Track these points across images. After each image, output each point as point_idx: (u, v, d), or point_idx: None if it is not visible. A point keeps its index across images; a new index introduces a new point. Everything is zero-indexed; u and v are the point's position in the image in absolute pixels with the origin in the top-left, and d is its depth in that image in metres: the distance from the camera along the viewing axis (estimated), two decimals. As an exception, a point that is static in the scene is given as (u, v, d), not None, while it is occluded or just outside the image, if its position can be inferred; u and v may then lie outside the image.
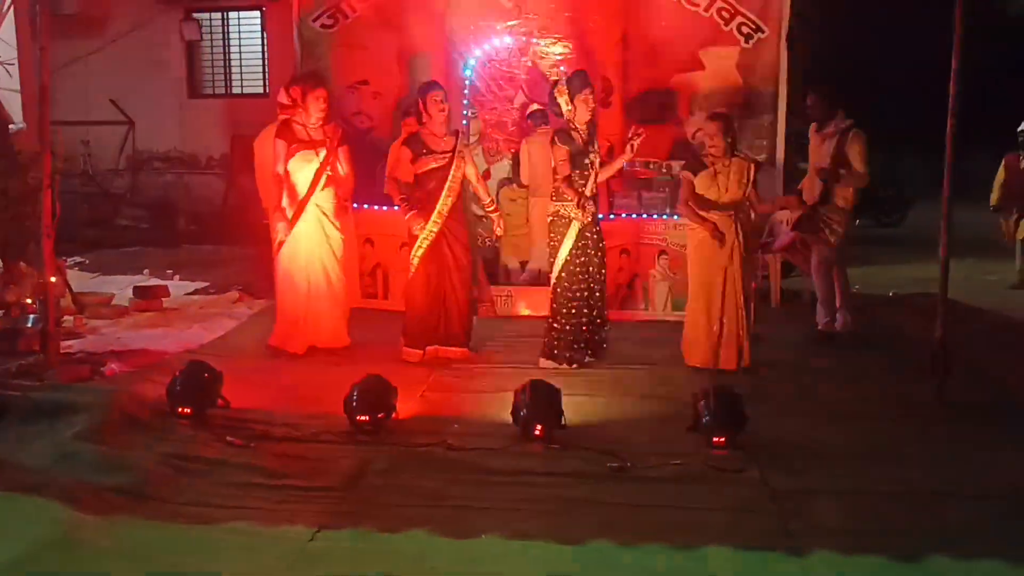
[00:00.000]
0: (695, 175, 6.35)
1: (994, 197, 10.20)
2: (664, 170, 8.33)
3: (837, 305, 7.31)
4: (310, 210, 6.57)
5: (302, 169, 6.54)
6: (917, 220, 15.07)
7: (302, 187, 6.54)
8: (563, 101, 6.36)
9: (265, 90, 13.49)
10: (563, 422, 5.03)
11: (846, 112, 7.15)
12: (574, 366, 6.42)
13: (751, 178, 6.33)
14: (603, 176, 6.57)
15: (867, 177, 7.12)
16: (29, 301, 6.88)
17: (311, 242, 6.61)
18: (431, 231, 6.50)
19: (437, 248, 6.53)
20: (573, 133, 6.33)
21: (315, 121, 6.56)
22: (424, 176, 6.50)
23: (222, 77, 14.15)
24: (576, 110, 6.33)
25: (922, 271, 9.04)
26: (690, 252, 6.51)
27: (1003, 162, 10.14)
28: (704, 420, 4.93)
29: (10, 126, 7.20)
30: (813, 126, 7.43)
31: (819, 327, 7.32)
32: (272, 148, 6.56)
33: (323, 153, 6.57)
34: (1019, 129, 10.00)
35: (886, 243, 13.18)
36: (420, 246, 6.52)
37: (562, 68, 8.39)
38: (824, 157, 7.13)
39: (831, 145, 7.09)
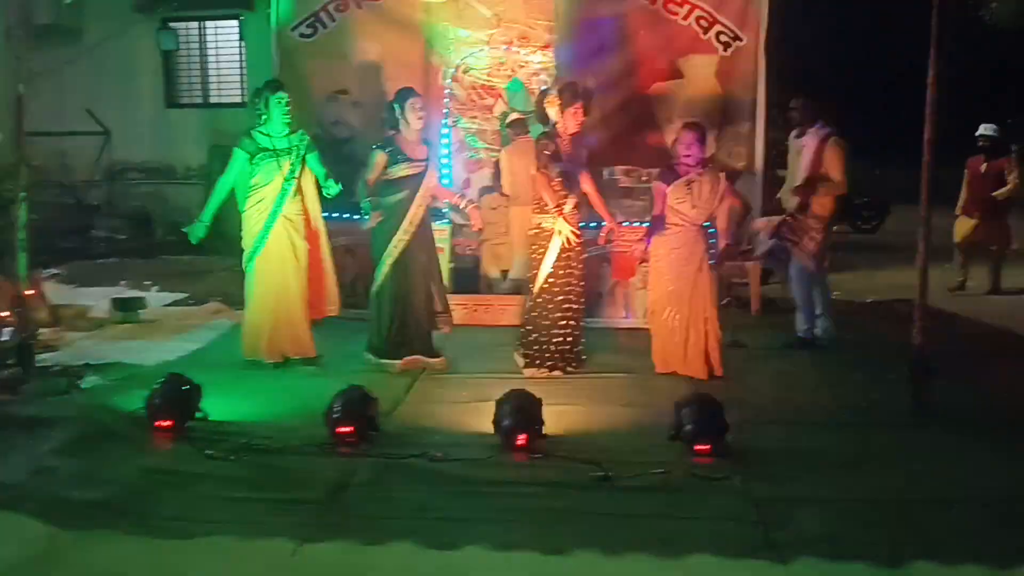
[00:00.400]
0: (668, 185, 6.38)
1: (960, 201, 10.20)
2: (644, 178, 8.36)
3: (817, 312, 7.35)
4: (278, 221, 6.53)
5: (268, 180, 6.50)
6: (894, 226, 15.20)
7: (268, 198, 6.50)
8: (553, 112, 6.36)
9: (243, 99, 13.40)
10: (544, 431, 5.02)
11: (825, 121, 7.20)
12: (555, 373, 6.42)
13: (722, 189, 6.38)
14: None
15: (845, 185, 7.17)
16: (6, 314, 6.80)
17: (280, 253, 6.55)
18: (402, 239, 6.48)
19: (407, 257, 6.51)
20: (558, 140, 6.35)
21: (280, 128, 6.52)
22: (396, 182, 6.48)
23: (199, 86, 14.08)
24: (565, 122, 6.35)
25: (900, 277, 9.11)
26: (656, 262, 6.50)
27: (966, 167, 10.22)
28: (686, 428, 4.93)
29: (-15, 137, 7.12)
30: (792, 133, 7.48)
31: (798, 334, 7.36)
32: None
33: (287, 162, 6.53)
34: (977, 133, 10.12)
35: (863, 249, 13.27)
36: (390, 254, 6.50)
37: (542, 77, 8.43)
38: (803, 166, 7.17)
39: (809, 153, 7.13)
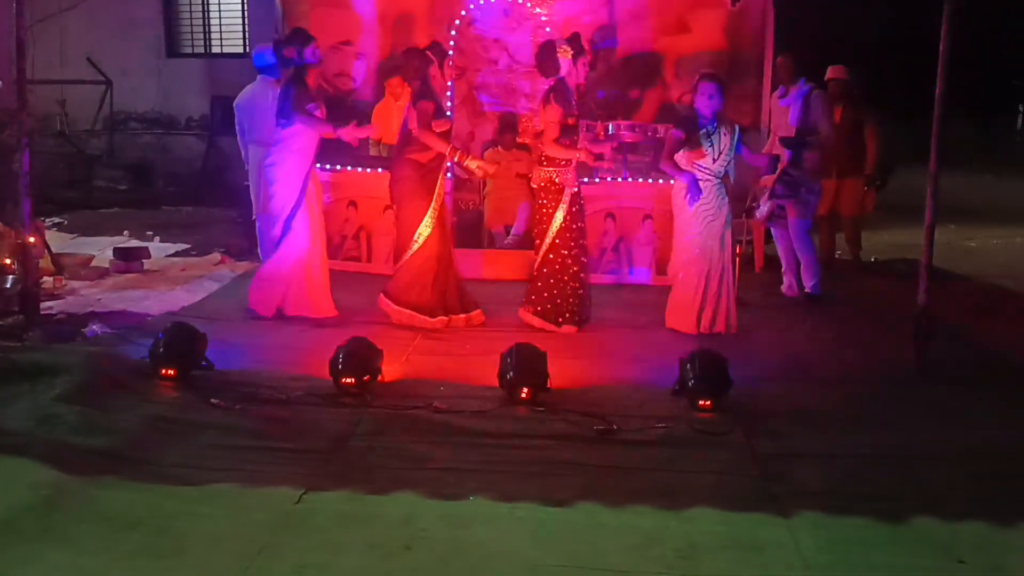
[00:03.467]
0: (687, 137, 6.28)
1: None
2: (649, 133, 8.28)
3: (785, 269, 7.53)
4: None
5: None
6: (897, 186, 15.09)
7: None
8: (565, 62, 6.27)
9: (245, 50, 13.25)
10: (548, 385, 5.03)
11: (808, 78, 7.40)
12: (565, 328, 6.39)
13: (736, 141, 6.33)
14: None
15: (833, 139, 7.28)
16: (8, 261, 6.78)
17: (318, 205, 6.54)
18: (439, 194, 6.45)
19: (443, 212, 6.51)
20: (566, 93, 6.29)
21: None
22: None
23: (201, 36, 13.92)
24: (576, 73, 6.29)
25: (902, 236, 9.10)
26: (682, 216, 6.41)
27: None
28: (689, 383, 4.94)
29: (-16, 83, 7.05)
30: (776, 93, 7.53)
31: (807, 290, 7.36)
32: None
33: None
34: (828, 77, 8.21)
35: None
36: (434, 207, 6.42)
37: (547, 30, 8.32)
38: (789, 122, 7.27)
39: (796, 110, 7.20)
